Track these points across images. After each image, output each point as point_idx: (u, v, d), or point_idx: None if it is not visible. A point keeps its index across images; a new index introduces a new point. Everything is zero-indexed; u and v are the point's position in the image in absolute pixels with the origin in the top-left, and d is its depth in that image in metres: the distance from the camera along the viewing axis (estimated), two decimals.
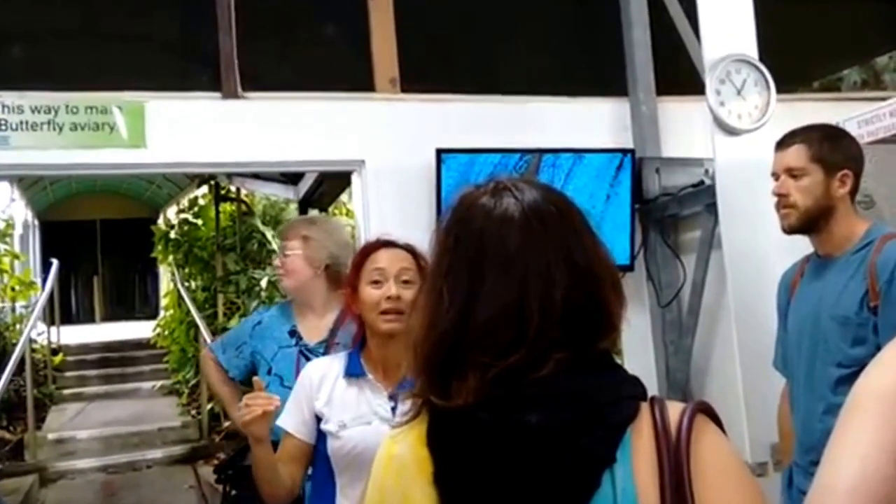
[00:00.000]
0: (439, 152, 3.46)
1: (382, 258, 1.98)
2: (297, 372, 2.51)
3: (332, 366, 2.00)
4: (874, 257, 2.05)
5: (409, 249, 2.01)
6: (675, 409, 0.94)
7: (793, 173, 2.17)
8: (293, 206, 7.95)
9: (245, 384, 2.77)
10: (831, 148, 2.17)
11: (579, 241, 0.99)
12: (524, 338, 0.93)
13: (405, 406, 1.86)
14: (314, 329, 2.62)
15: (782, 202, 2.20)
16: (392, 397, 1.94)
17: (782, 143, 2.24)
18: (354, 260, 2.04)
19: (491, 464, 0.92)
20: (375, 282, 1.94)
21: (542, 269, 0.95)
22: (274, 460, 1.89)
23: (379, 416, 1.91)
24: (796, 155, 2.18)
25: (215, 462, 5.11)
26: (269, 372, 2.60)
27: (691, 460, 0.89)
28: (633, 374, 0.98)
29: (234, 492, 2.52)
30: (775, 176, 2.23)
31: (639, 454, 0.90)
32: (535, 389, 0.92)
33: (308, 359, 2.55)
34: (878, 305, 2.02)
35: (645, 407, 0.94)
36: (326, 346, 2.54)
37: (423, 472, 0.96)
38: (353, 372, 1.96)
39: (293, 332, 2.63)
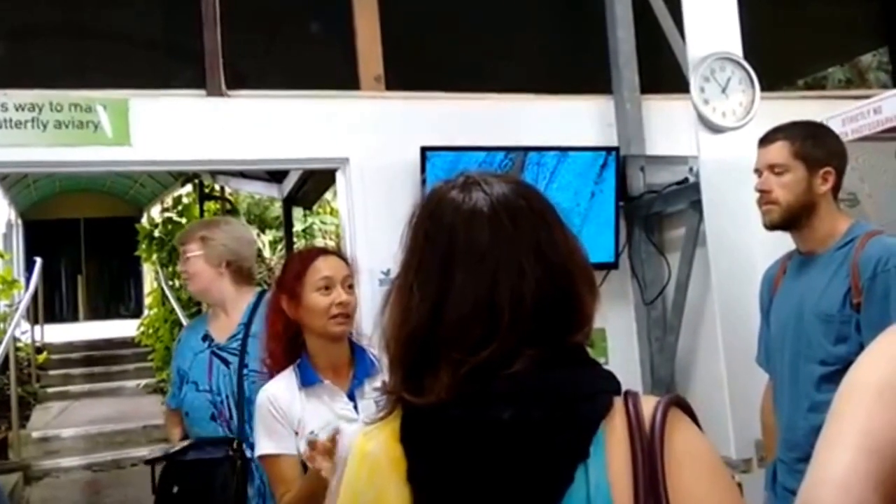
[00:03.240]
0: (424, 150, 3.46)
1: (326, 266, 2.04)
2: (210, 373, 2.52)
3: (285, 384, 2.01)
4: (857, 254, 2.06)
5: (342, 256, 2.12)
6: (648, 404, 0.93)
7: (775, 170, 2.17)
8: (277, 205, 7.94)
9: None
10: (814, 145, 2.17)
11: (550, 234, 0.98)
12: (496, 333, 0.92)
13: (367, 405, 1.89)
14: (224, 328, 2.60)
15: (764, 198, 2.19)
16: (351, 397, 2.00)
17: (765, 140, 2.23)
18: (293, 269, 2.07)
19: (464, 460, 0.91)
20: (324, 288, 2.00)
21: (513, 264, 0.95)
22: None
23: (344, 418, 1.95)
24: (779, 151, 2.17)
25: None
26: (187, 380, 2.58)
27: (665, 454, 0.89)
28: (606, 369, 0.98)
29: (176, 488, 2.48)
30: (758, 172, 2.23)
31: (612, 449, 0.90)
32: (507, 385, 0.91)
33: (220, 357, 2.54)
34: (861, 303, 2.02)
35: (619, 401, 0.94)
36: (241, 342, 2.51)
37: (396, 470, 0.95)
38: (309, 381, 1.99)
39: (206, 337, 2.62)
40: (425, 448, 0.95)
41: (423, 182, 3.45)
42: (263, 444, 1.97)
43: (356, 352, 2.08)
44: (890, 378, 0.92)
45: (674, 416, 0.92)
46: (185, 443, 2.57)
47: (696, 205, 3.29)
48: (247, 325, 2.54)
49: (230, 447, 2.42)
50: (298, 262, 2.08)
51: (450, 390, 0.92)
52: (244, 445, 2.42)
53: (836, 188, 2.18)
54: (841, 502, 0.85)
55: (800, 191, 2.14)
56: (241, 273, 2.63)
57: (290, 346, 2.06)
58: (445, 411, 0.93)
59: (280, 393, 1.98)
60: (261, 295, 2.61)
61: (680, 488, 0.88)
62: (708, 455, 0.93)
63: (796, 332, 2.17)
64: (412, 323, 0.97)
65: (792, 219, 2.17)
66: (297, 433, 1.94)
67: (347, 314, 2.01)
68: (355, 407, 1.98)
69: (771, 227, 2.22)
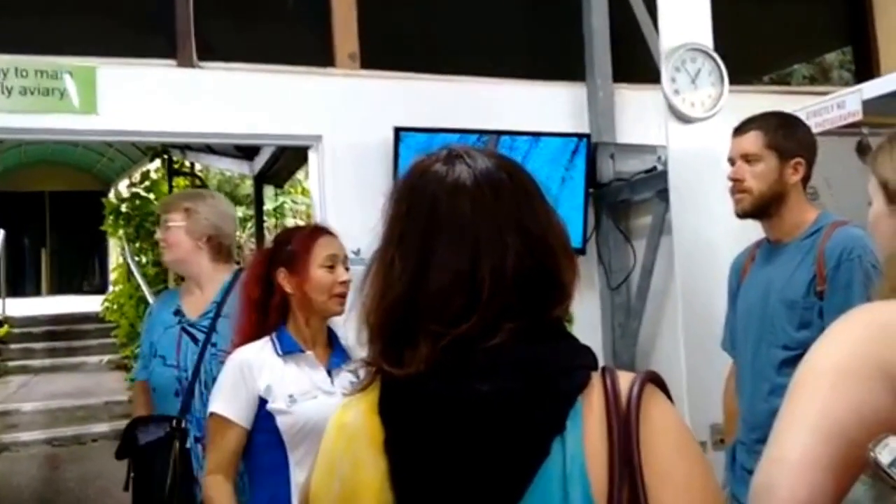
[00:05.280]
0: (397, 130, 3.46)
1: (332, 245, 2.07)
2: (179, 349, 2.49)
3: (260, 349, 2.01)
4: (823, 243, 2.11)
5: (336, 236, 2.13)
6: (625, 379, 0.94)
7: (748, 159, 2.21)
8: (248, 182, 7.88)
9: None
10: (786, 135, 2.21)
11: (532, 208, 0.99)
12: (476, 305, 0.93)
13: (342, 381, 1.90)
14: (197, 304, 2.57)
15: (737, 187, 2.23)
16: (329, 372, 2.01)
17: (739, 129, 2.27)
18: (300, 242, 2.06)
19: (442, 432, 0.92)
20: (330, 266, 2.03)
21: (495, 237, 0.95)
22: None
23: (322, 390, 1.96)
24: (752, 141, 2.21)
25: None
26: (155, 354, 2.55)
27: (640, 428, 0.90)
28: (584, 344, 0.99)
29: (132, 474, 2.47)
30: (731, 161, 2.26)
31: (589, 422, 0.91)
32: (486, 358, 0.92)
33: (190, 334, 2.51)
34: (825, 290, 2.07)
35: (596, 376, 0.95)
36: (212, 320, 2.49)
37: (374, 441, 0.95)
38: (289, 349, 2.00)
39: (177, 311, 2.59)
40: (403, 419, 0.95)
41: (396, 162, 3.45)
42: (221, 405, 1.96)
43: (332, 334, 2.10)
44: (846, 362, 0.95)
45: (650, 391, 0.94)
46: (127, 422, 2.55)
47: (663, 193, 3.32)
48: (219, 303, 2.52)
49: (170, 424, 2.39)
50: (306, 237, 2.08)
51: (429, 362, 0.93)
52: (187, 424, 2.40)
53: (805, 179, 2.23)
54: (795, 481, 0.88)
55: (771, 180, 2.19)
56: (220, 250, 2.61)
57: (263, 318, 2.04)
58: (424, 383, 0.93)
59: (253, 360, 1.97)
60: (236, 274, 2.58)
61: (654, 461, 0.89)
62: (681, 430, 0.94)
63: (761, 317, 2.21)
64: (393, 294, 0.96)
65: (762, 207, 2.21)
66: (265, 400, 1.93)
67: (346, 294, 2.03)
68: (332, 383, 1.98)
69: (742, 215, 2.25)
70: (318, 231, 2.12)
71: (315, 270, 2.01)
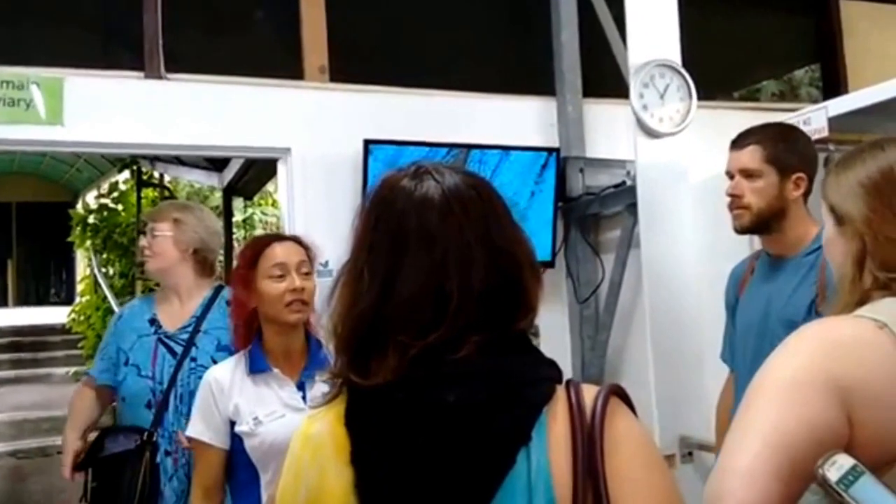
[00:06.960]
0: (367, 143, 3.45)
1: (280, 253, 2.02)
2: (154, 360, 2.47)
3: (232, 368, 2.00)
4: (825, 261, 2.09)
5: (299, 241, 2.09)
6: (589, 392, 0.96)
7: (747, 174, 2.13)
8: (218, 194, 7.82)
9: (113, 389, 2.59)
10: (787, 149, 2.14)
11: (499, 224, 1.02)
12: (443, 317, 0.94)
13: (315, 392, 1.90)
14: (175, 316, 2.56)
15: (736, 203, 2.16)
16: (300, 387, 1.98)
17: (737, 143, 2.19)
18: (246, 257, 2.05)
19: (408, 442, 0.93)
20: (278, 276, 1.98)
21: (462, 250, 0.97)
22: None
23: (291, 407, 1.94)
24: (751, 156, 2.13)
25: None
26: (126, 363, 2.52)
27: (605, 440, 0.92)
28: (549, 357, 1.01)
29: (94, 483, 2.44)
30: (730, 175, 2.19)
31: (554, 434, 0.93)
32: (453, 369, 0.94)
33: (167, 346, 2.49)
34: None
35: (561, 389, 0.97)
36: (191, 334, 2.48)
37: (340, 452, 0.96)
38: (257, 368, 1.97)
39: (153, 321, 2.57)
40: (369, 430, 0.96)
41: (365, 175, 3.44)
42: (197, 428, 1.97)
43: (311, 343, 2.06)
44: (799, 376, 0.97)
45: (614, 404, 0.96)
46: (97, 433, 2.53)
47: (632, 208, 3.34)
48: (199, 318, 2.52)
49: (141, 437, 2.38)
50: (251, 250, 2.06)
51: (396, 373, 0.94)
52: (157, 437, 2.39)
53: (807, 193, 2.15)
54: (746, 491, 0.90)
55: (771, 196, 2.11)
56: (204, 263, 2.61)
57: (252, 333, 2.04)
58: (390, 394, 0.94)
59: (224, 380, 1.97)
60: (216, 290, 2.59)
61: (617, 472, 0.91)
62: (645, 441, 0.96)
63: (760, 334, 2.16)
64: (361, 305, 0.98)
65: (762, 224, 2.15)
66: (233, 422, 1.93)
67: (303, 300, 1.98)
68: (304, 397, 1.97)
69: (741, 231, 2.19)
70: (266, 241, 2.09)
71: (262, 283, 1.98)
